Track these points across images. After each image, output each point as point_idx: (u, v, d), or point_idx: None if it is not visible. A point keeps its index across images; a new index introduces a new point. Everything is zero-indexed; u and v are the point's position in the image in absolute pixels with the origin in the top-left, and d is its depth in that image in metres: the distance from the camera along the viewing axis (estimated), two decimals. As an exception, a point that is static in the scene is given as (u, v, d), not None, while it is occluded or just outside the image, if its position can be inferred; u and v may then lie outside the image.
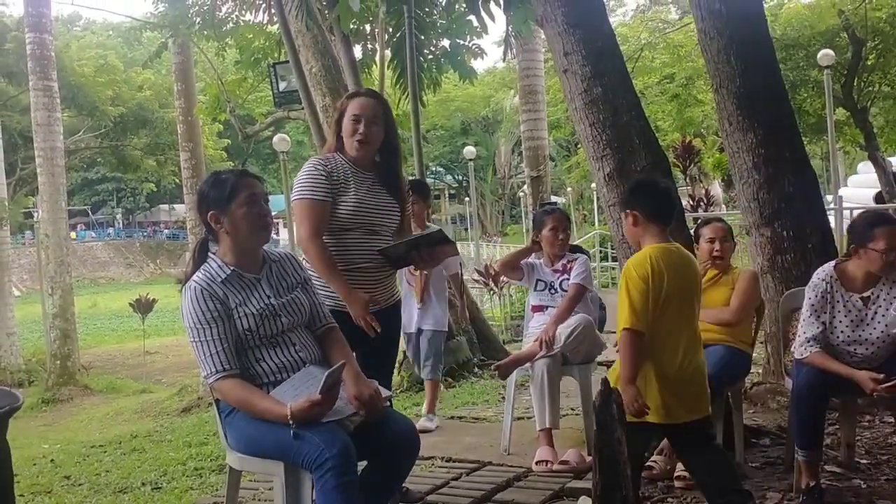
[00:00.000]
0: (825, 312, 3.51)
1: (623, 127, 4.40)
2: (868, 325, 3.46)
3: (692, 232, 4.33)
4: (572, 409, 5.11)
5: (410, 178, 6.08)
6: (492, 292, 12.32)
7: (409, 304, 5.23)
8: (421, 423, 4.97)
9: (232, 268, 2.61)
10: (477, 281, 12.14)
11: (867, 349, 3.46)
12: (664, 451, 3.93)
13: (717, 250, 4.04)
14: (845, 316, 3.49)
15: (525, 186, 20.64)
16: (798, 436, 3.44)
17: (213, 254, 2.66)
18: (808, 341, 3.47)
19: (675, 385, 3.09)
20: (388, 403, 2.70)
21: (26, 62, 15.97)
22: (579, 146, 27.43)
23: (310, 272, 2.93)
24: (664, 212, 3.18)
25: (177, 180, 25.18)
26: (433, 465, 4.16)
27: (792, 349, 3.78)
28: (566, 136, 30.55)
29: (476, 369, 7.53)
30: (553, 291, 4.47)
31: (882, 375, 3.27)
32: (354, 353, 2.77)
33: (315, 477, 2.32)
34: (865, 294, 3.50)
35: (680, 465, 3.82)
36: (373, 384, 2.63)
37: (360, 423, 2.55)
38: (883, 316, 3.45)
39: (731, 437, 3.96)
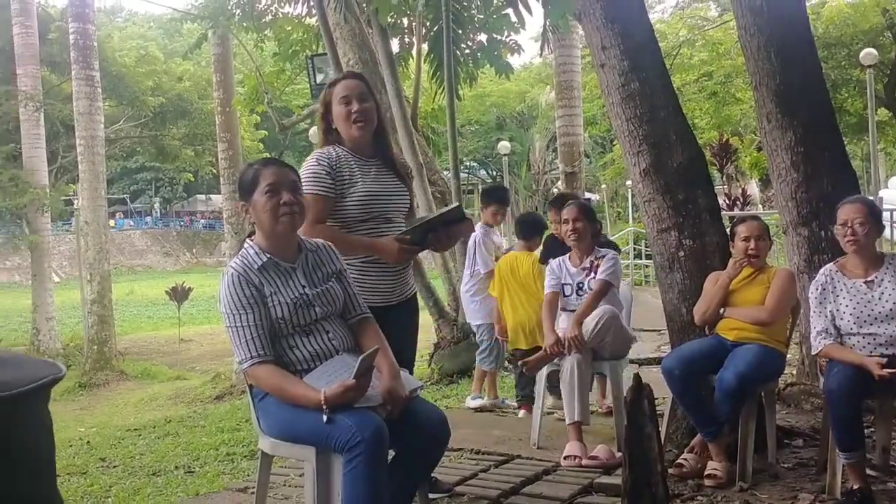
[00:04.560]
0: (830, 303, 3.63)
1: (660, 122, 4.37)
2: (876, 304, 3.53)
3: (728, 230, 4.29)
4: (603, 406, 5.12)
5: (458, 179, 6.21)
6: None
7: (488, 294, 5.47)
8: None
9: (268, 255, 2.64)
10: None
11: (883, 330, 3.49)
12: (695, 449, 3.91)
13: (751, 248, 4.01)
14: (850, 300, 3.58)
15: (559, 182, 20.55)
16: (838, 438, 3.42)
17: (251, 241, 2.69)
18: (819, 334, 3.58)
19: None
20: (417, 394, 2.72)
21: (69, 52, 16.23)
22: (615, 143, 27.26)
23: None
24: None
25: (214, 171, 25.43)
26: (462, 456, 4.18)
27: (812, 351, 3.77)
28: (602, 133, 30.39)
29: (506, 363, 7.52)
30: (581, 293, 4.44)
31: (885, 359, 3.33)
32: None
33: (345, 459, 2.34)
34: (869, 278, 3.59)
35: (710, 463, 3.80)
36: (404, 375, 2.66)
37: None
38: (890, 294, 3.49)
39: (763, 436, 3.93)
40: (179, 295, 17.41)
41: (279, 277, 2.64)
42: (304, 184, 2.96)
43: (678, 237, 4.36)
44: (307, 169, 3.07)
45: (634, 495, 2.72)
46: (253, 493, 3.73)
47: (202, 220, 53.31)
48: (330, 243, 2.86)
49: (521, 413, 5.29)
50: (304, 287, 2.66)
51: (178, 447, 5.34)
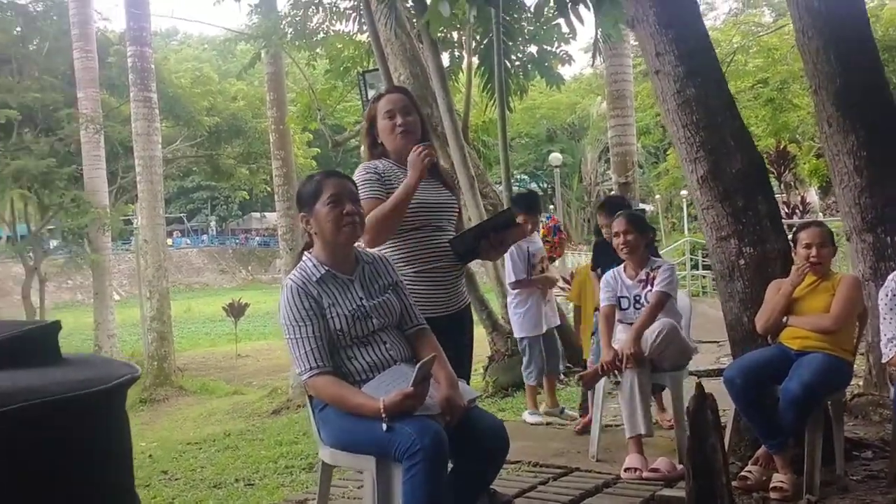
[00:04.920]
0: None
1: (717, 128, 4.30)
2: None
3: (790, 236, 4.19)
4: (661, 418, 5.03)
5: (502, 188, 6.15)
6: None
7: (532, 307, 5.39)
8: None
9: (326, 268, 2.66)
10: (562, 289, 12.04)
11: None
12: (759, 461, 3.82)
13: (814, 256, 3.90)
14: None
15: (612, 193, 20.39)
16: None
17: (310, 254, 2.72)
18: (890, 342, 3.48)
19: None
20: (475, 404, 2.70)
21: (127, 75, 16.67)
22: (668, 153, 26.96)
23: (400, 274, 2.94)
24: None
25: (268, 188, 25.80)
26: (520, 469, 4.14)
27: (883, 359, 3.65)
28: (654, 143, 30.09)
29: (561, 376, 7.45)
30: (638, 306, 4.36)
31: None
32: None
33: (405, 467, 2.33)
34: None
35: (776, 476, 3.71)
36: (461, 385, 2.65)
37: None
38: None
39: (830, 448, 3.81)
40: (236, 311, 17.69)
41: (337, 289, 2.66)
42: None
43: (738, 245, 4.27)
44: (356, 178, 3.06)
45: (699, 507, 2.66)
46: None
47: (257, 238, 54.12)
48: (386, 257, 2.87)
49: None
50: (361, 299, 2.67)
51: (237, 460, 5.40)
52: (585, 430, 4.99)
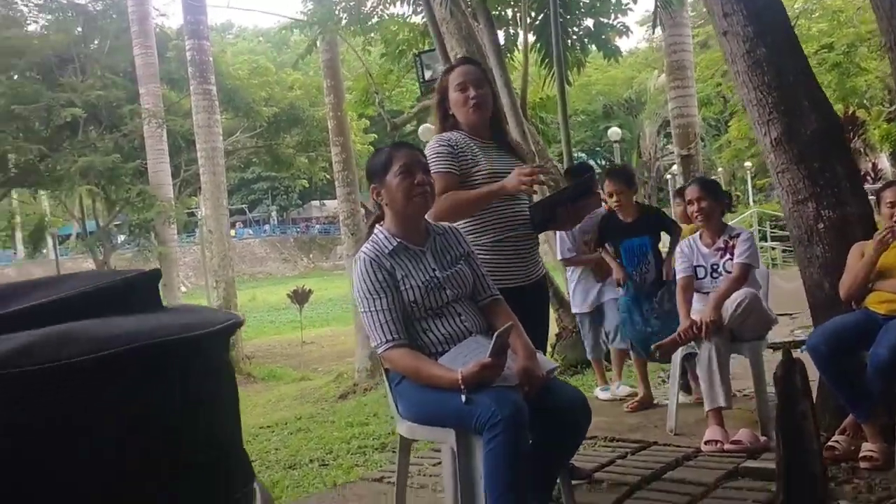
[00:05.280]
0: None
1: (790, 89, 4.14)
2: None
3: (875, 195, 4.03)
4: (739, 391, 4.88)
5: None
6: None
7: (581, 282, 5.29)
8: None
9: (398, 240, 2.64)
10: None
11: None
12: (846, 431, 3.68)
13: (889, 217, 3.74)
14: None
15: (673, 167, 20.01)
16: None
17: (381, 227, 2.69)
18: None
19: None
20: (554, 375, 2.64)
21: (186, 69, 16.93)
22: (729, 124, 26.34)
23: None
24: None
25: (327, 176, 26.00)
26: (596, 444, 4.07)
27: None
28: (715, 115, 29.42)
29: (630, 351, 7.33)
30: (715, 275, 4.24)
31: None
32: None
33: (485, 439, 2.29)
34: None
35: (865, 445, 3.57)
36: (539, 356, 2.60)
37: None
38: None
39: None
40: (301, 297, 17.89)
41: (410, 261, 2.63)
42: (431, 164, 2.93)
43: (816, 208, 4.11)
44: (430, 151, 3.04)
45: (790, 476, 2.57)
46: (388, 482, 3.77)
47: (317, 226, 54.75)
48: (456, 227, 2.83)
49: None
50: (434, 270, 2.64)
51: (310, 442, 5.44)
52: (643, 406, 4.89)
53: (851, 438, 3.65)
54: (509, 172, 3.06)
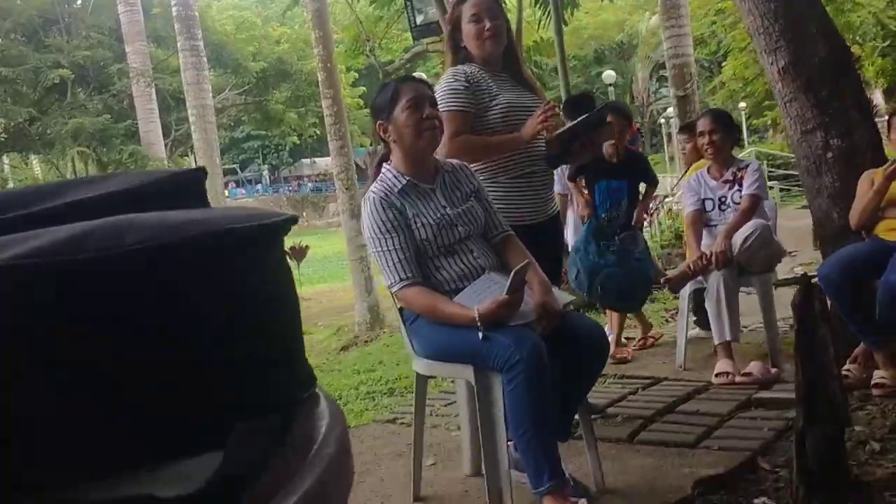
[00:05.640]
0: None
1: (797, 15, 4.05)
2: None
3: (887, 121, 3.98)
4: (745, 327, 4.87)
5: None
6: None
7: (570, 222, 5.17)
8: None
9: (407, 178, 2.58)
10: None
11: None
12: (858, 359, 3.69)
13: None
14: None
15: (668, 111, 19.88)
16: None
17: (389, 165, 2.64)
18: None
19: None
20: (570, 308, 2.62)
21: (173, 25, 16.64)
22: (723, 65, 26.07)
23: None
24: None
25: (317, 132, 25.81)
26: (605, 382, 4.07)
27: None
28: (708, 56, 29.14)
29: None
30: (724, 207, 4.20)
31: None
32: None
33: (506, 378, 2.28)
34: None
35: (877, 372, 3.58)
36: (555, 290, 2.57)
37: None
38: None
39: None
40: (298, 254, 17.84)
41: (420, 199, 2.58)
42: (442, 100, 2.87)
43: (824, 137, 4.06)
44: (444, 85, 2.96)
45: (810, 401, 2.55)
46: (401, 423, 3.78)
47: (309, 184, 54.44)
48: (465, 163, 2.78)
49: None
50: (444, 207, 2.59)
51: (318, 390, 5.44)
52: (644, 347, 4.88)
53: (863, 367, 3.66)
54: (527, 106, 3.00)
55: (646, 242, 4.83)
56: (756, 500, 2.61)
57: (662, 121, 28.73)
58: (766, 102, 21.26)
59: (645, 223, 12.09)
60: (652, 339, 4.94)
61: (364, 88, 27.11)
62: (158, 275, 0.51)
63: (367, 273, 12.54)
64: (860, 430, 3.08)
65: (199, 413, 0.54)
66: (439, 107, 2.87)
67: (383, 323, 12.39)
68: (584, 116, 3.00)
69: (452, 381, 4.64)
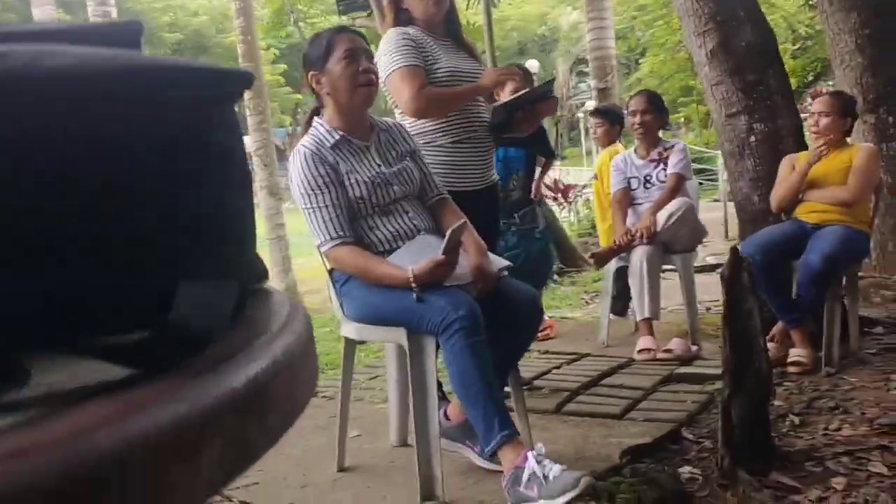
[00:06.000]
0: None
1: (727, 0, 4.12)
2: None
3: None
4: (664, 308, 4.95)
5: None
6: (561, 206, 12.15)
7: None
8: None
9: (340, 133, 2.48)
10: (546, 196, 11.94)
11: None
12: (775, 338, 3.77)
13: (813, 126, 3.81)
14: None
15: (587, 104, 20.15)
16: None
17: (321, 119, 2.53)
18: None
19: None
20: (506, 273, 2.57)
21: (84, -11, 15.93)
22: (640, 62, 26.59)
23: (420, 141, 2.78)
24: None
25: (235, 109, 25.15)
26: (530, 357, 4.04)
27: None
28: (627, 53, 29.66)
29: (555, 276, 7.39)
30: (648, 186, 4.23)
31: None
32: None
33: (442, 340, 2.21)
34: None
35: (793, 350, 3.67)
36: (491, 255, 2.52)
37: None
38: None
39: (843, 325, 3.76)
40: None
41: (354, 156, 2.49)
42: (393, 59, 2.78)
43: (748, 121, 4.14)
44: (392, 44, 2.83)
45: (737, 372, 2.58)
46: (322, 396, 3.68)
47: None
48: (401, 123, 2.70)
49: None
50: (380, 166, 2.50)
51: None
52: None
53: (780, 345, 3.74)
54: (470, 73, 2.93)
55: (547, 219, 4.80)
56: (681, 470, 2.62)
57: (581, 115, 29.12)
58: (681, 99, 21.78)
59: (564, 207, 12.28)
60: (547, 331, 4.62)
61: (285, 66, 26.58)
62: (88, 105, 0.42)
63: (286, 252, 12.31)
64: (780, 404, 3.14)
65: (137, 280, 0.45)
66: (387, 66, 2.79)
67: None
68: (531, 89, 2.96)
69: (377, 356, 4.57)
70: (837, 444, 2.78)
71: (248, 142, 15.03)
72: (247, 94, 13.39)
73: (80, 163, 0.44)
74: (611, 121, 5.13)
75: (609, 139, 5.13)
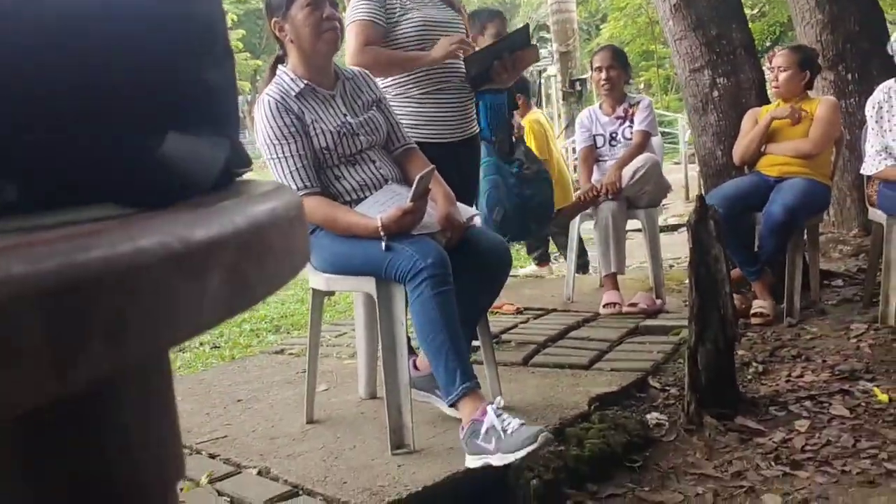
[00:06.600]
0: (887, 121, 3.48)
1: (691, -47, 4.12)
2: None
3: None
4: (628, 266, 4.99)
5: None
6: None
7: None
8: None
9: (305, 81, 2.44)
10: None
11: None
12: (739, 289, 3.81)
13: (774, 81, 3.84)
14: None
15: (548, 70, 20.10)
16: None
17: (285, 67, 2.48)
18: (879, 153, 3.45)
19: None
20: (475, 222, 2.55)
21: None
22: (601, 28, 26.54)
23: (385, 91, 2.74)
24: None
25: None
26: (496, 312, 4.05)
27: (864, 170, 3.63)
28: (588, 19, 29.61)
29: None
30: (614, 143, 4.21)
31: None
32: None
33: (410, 288, 2.19)
34: None
35: (756, 302, 3.72)
36: (460, 205, 2.50)
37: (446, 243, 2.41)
38: None
39: (804, 277, 3.81)
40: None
41: (319, 105, 2.44)
42: (356, 9, 2.73)
43: (712, 76, 4.16)
44: None
45: (702, 318, 2.61)
46: (290, 354, 3.66)
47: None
48: (367, 71, 2.65)
49: (543, 270, 5.26)
50: (345, 115, 2.46)
51: (197, 328, 5.21)
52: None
53: (743, 297, 3.79)
54: (446, 23, 2.89)
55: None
56: (648, 416, 2.65)
57: (542, 80, 29.06)
58: (642, 63, 21.83)
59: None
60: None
61: (243, 32, 26.10)
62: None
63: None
64: (743, 354, 3.19)
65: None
66: (350, 17, 2.76)
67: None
68: (507, 35, 2.91)
69: (344, 315, 4.55)
70: (800, 389, 2.84)
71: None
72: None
73: (69, 23, 0.42)
74: (526, 96, 5.13)
75: (526, 110, 5.13)
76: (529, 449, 1.99)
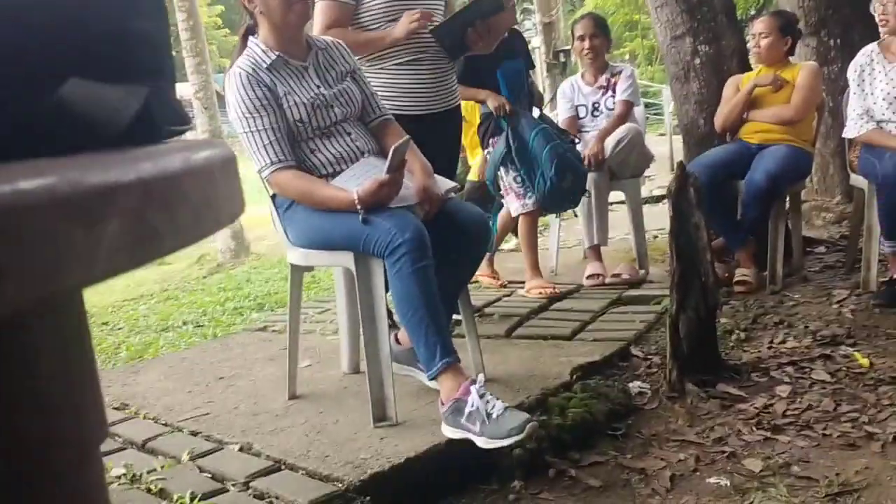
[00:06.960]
0: (868, 84, 3.46)
1: (671, -81, 4.07)
2: None
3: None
4: (611, 238, 4.98)
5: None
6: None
7: None
8: None
9: (277, 53, 2.39)
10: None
11: None
12: (720, 258, 3.81)
13: (755, 47, 3.82)
14: (887, 84, 3.41)
15: (532, 41, 19.98)
16: (888, 226, 3.28)
17: (256, 39, 2.43)
18: (861, 117, 3.43)
19: None
20: (453, 195, 2.53)
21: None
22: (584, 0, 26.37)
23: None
24: None
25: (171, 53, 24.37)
26: (480, 287, 4.04)
27: (846, 134, 3.61)
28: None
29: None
30: (596, 114, 4.16)
31: None
32: None
33: (388, 263, 2.17)
34: None
35: (738, 270, 3.72)
36: (438, 177, 2.47)
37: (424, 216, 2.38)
38: None
39: (786, 245, 3.81)
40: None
41: (291, 77, 2.40)
42: None
43: (693, 44, 4.13)
44: None
45: (684, 286, 2.60)
46: (272, 331, 3.65)
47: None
48: (340, 41, 2.61)
49: None
50: (319, 87, 2.42)
51: (181, 307, 5.19)
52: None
53: (726, 266, 3.79)
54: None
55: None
56: (631, 385, 2.65)
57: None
58: (626, 34, 21.73)
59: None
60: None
61: (222, 7, 25.85)
62: None
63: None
64: (726, 321, 3.19)
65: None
66: None
67: (248, 251, 11.98)
68: (472, 2, 2.85)
69: (327, 292, 4.53)
70: (782, 355, 2.84)
71: (187, 86, 14.63)
72: (184, 36, 13.00)
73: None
74: None
75: None
76: (516, 438, 1.98)
